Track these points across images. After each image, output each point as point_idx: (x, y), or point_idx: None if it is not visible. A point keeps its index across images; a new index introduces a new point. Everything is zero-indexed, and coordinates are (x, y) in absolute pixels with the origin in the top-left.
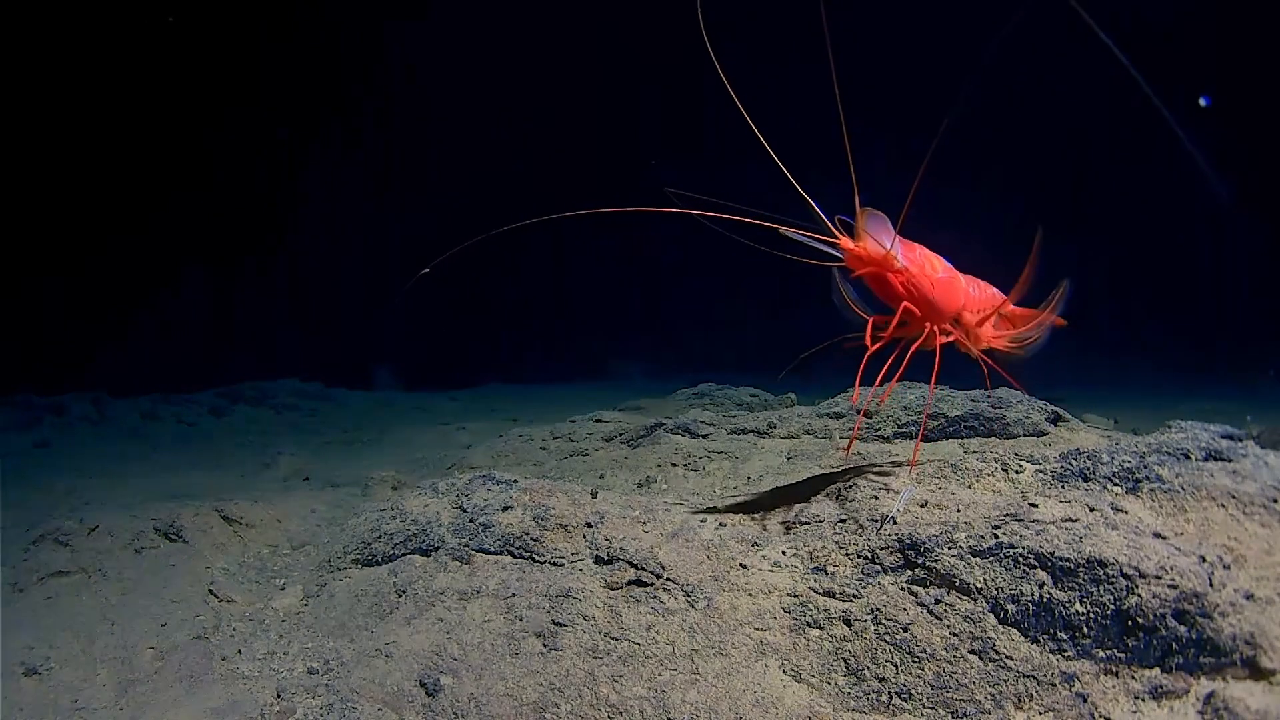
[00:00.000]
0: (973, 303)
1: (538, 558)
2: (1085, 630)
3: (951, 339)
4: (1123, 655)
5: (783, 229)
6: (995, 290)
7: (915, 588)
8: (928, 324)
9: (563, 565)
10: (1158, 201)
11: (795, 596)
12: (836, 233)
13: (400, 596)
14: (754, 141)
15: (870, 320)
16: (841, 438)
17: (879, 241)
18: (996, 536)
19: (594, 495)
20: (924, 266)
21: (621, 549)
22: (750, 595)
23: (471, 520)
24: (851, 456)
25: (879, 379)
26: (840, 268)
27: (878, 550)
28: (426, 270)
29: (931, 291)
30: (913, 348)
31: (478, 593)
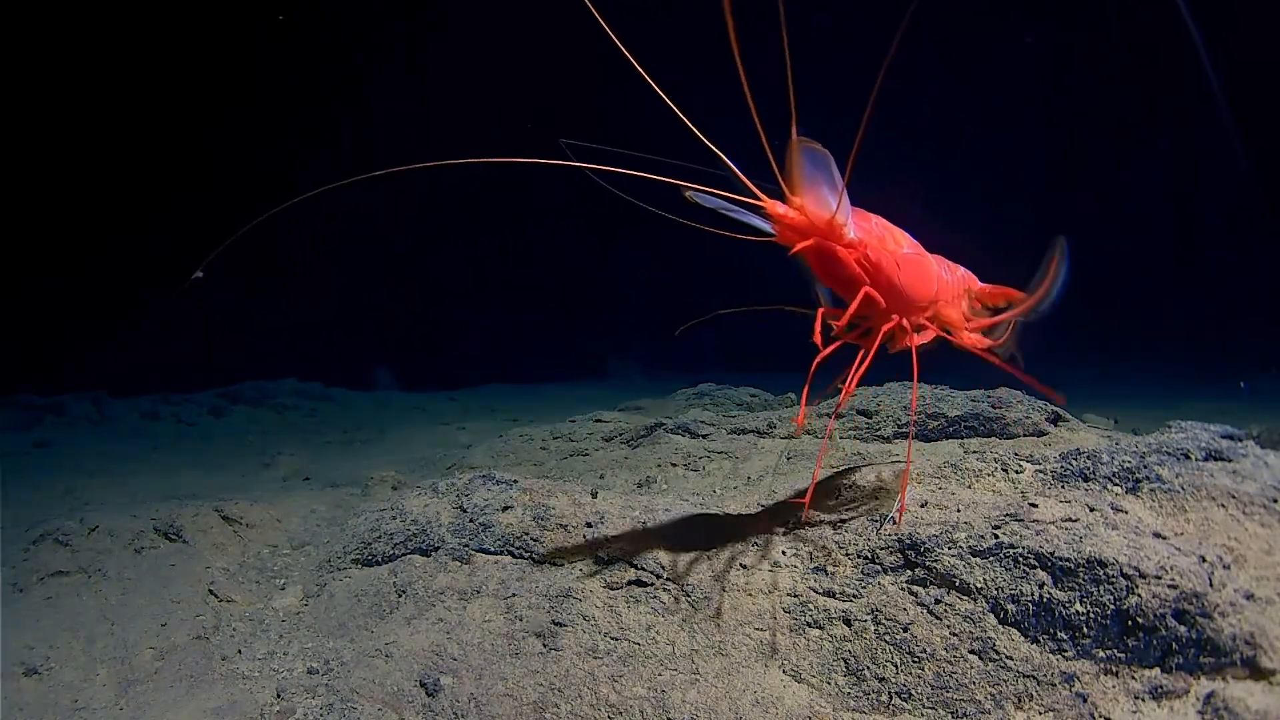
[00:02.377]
0: (948, 290)
1: (537, 558)
2: (1085, 630)
3: (927, 339)
4: (1123, 655)
5: (690, 191)
6: (967, 271)
7: (915, 588)
8: (895, 317)
9: (563, 565)
10: (1158, 196)
11: (795, 596)
12: (760, 194)
13: (400, 596)
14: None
15: (819, 313)
16: (841, 438)
17: (821, 200)
18: (996, 536)
19: (594, 495)
20: (884, 240)
21: (622, 549)
22: (750, 595)
23: (471, 520)
24: (852, 456)
25: (854, 378)
26: (774, 243)
27: (878, 550)
28: (199, 274)
29: (897, 274)
30: (873, 349)
31: (478, 593)
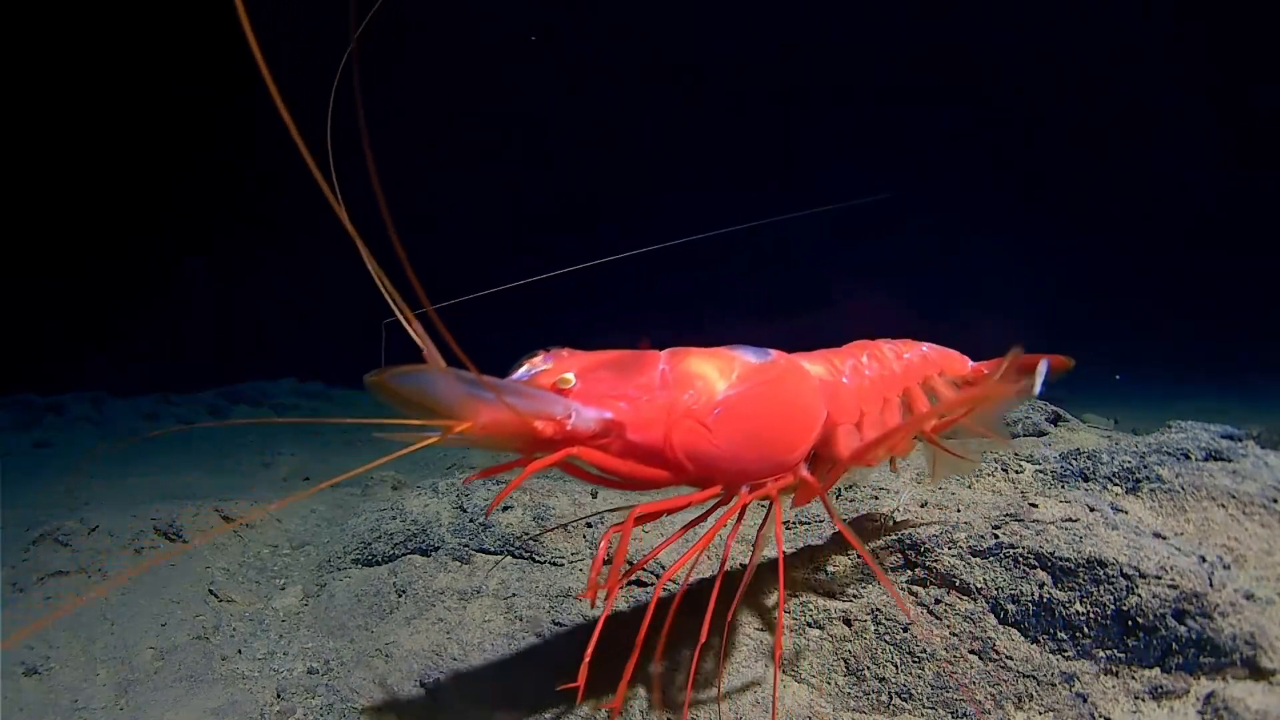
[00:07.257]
0: (861, 395)
1: (538, 558)
2: (1085, 630)
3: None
4: (1123, 655)
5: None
6: (942, 350)
7: (915, 588)
8: (749, 488)
9: (563, 565)
10: (1155, 197)
11: (795, 596)
12: (450, 410)
13: (400, 596)
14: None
15: (601, 548)
16: None
17: (485, 404)
18: (996, 536)
19: (594, 495)
20: (671, 397)
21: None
22: (750, 595)
23: (471, 520)
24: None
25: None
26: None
27: (878, 550)
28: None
29: (707, 440)
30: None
31: (478, 593)
